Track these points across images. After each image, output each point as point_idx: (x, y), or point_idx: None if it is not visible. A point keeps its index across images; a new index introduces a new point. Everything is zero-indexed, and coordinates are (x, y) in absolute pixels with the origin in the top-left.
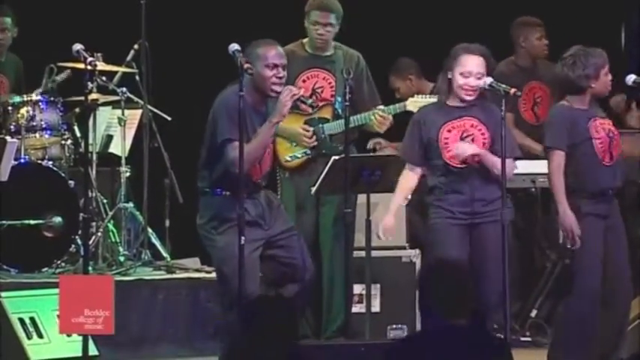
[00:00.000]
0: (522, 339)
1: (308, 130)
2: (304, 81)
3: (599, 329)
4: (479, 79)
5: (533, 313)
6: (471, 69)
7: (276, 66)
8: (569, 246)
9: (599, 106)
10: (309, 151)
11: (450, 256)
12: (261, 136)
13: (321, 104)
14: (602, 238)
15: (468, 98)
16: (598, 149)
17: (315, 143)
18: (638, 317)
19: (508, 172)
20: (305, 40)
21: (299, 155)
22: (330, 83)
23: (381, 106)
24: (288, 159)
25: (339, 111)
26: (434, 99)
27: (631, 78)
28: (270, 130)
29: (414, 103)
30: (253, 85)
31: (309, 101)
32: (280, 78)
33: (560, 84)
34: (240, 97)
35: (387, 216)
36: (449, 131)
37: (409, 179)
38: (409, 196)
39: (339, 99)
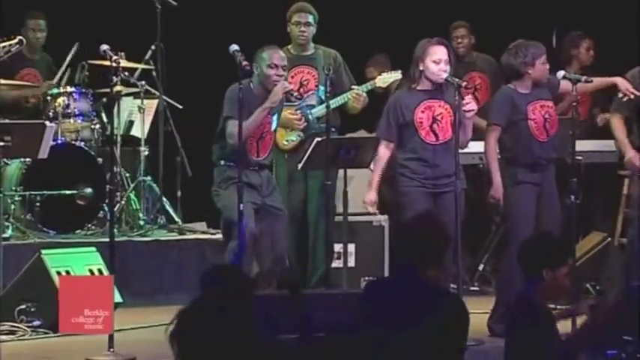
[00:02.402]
0: (471, 288)
1: (296, 114)
2: (292, 76)
3: None
4: (447, 64)
5: (481, 267)
6: (440, 56)
7: (276, 66)
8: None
9: (546, 89)
10: (301, 134)
11: (420, 210)
12: (255, 116)
13: (306, 95)
14: (536, 203)
15: (441, 80)
16: (532, 128)
17: (305, 124)
18: (585, 254)
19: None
20: (289, 46)
21: (294, 138)
22: (314, 76)
23: (355, 86)
24: (285, 142)
25: (322, 98)
26: (397, 74)
27: (560, 74)
28: (263, 112)
29: (381, 80)
30: (259, 82)
31: (295, 94)
32: (280, 76)
33: (505, 70)
34: (239, 88)
35: (370, 192)
36: (422, 112)
37: (385, 155)
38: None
39: (322, 88)
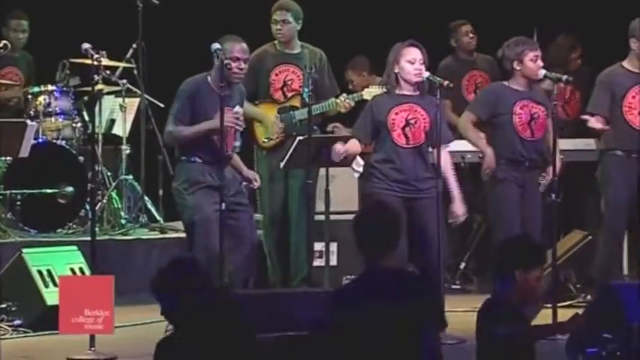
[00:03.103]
0: (453, 287)
1: (280, 125)
2: (277, 74)
3: None
4: (422, 64)
5: (462, 266)
6: (415, 56)
7: (238, 59)
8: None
9: (542, 92)
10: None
11: (383, 200)
12: (196, 130)
13: (290, 94)
14: (519, 201)
15: (418, 80)
16: (516, 124)
17: (282, 135)
18: (566, 252)
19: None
20: (276, 41)
21: (274, 137)
22: (298, 76)
23: (344, 95)
24: (265, 140)
25: (307, 99)
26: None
27: (542, 72)
28: (204, 130)
29: (369, 93)
30: (219, 72)
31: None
32: (241, 69)
33: (502, 65)
34: (221, 88)
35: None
36: (396, 114)
37: (352, 147)
38: (361, 169)
39: (306, 89)
